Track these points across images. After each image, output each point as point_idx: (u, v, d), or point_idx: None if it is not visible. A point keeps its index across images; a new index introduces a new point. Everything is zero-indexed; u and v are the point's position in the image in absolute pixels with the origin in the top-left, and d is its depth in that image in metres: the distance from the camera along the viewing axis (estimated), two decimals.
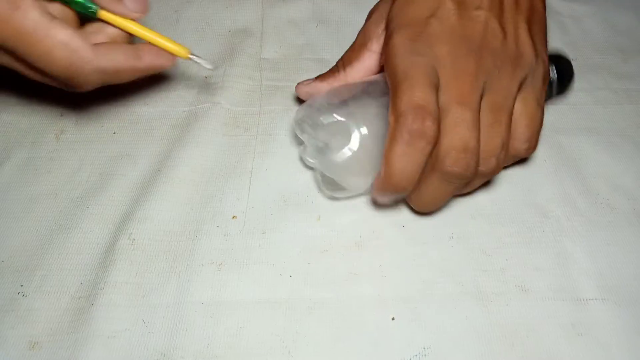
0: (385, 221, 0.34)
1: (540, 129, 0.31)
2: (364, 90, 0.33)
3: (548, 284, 0.32)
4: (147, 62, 0.31)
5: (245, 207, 0.34)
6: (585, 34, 0.44)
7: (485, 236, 0.33)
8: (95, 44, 0.29)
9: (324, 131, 0.32)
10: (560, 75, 0.36)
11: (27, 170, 0.36)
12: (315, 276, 0.32)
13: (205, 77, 0.40)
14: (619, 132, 0.38)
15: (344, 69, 0.34)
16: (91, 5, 0.29)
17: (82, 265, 0.32)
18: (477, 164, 0.28)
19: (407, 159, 0.27)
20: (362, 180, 0.32)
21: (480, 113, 0.28)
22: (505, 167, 0.36)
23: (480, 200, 0.35)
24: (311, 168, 0.36)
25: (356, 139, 0.31)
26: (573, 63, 0.37)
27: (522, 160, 0.37)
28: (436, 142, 0.27)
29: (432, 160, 0.28)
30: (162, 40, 0.31)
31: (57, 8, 0.29)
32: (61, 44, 0.27)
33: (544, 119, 0.31)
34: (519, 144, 0.30)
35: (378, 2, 0.34)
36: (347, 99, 0.32)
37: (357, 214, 0.34)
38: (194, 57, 0.32)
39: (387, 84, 0.29)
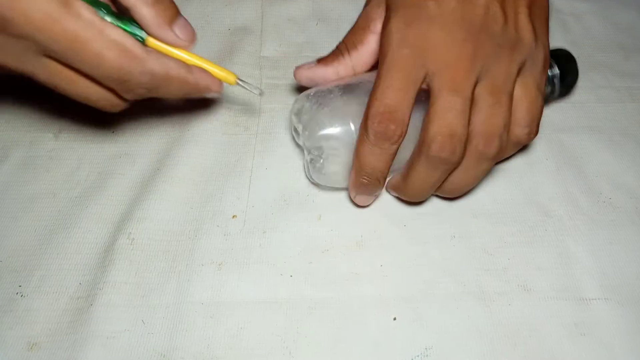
0: (386, 220, 0.34)
1: (541, 114, 0.31)
2: (365, 91, 0.32)
3: (550, 284, 0.32)
4: (197, 77, 0.30)
5: (246, 207, 0.34)
6: (587, 32, 0.44)
7: (487, 235, 0.33)
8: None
9: (317, 120, 0.31)
10: (564, 75, 0.36)
11: (25, 169, 0.36)
12: (316, 276, 0.32)
13: None
14: (621, 130, 0.38)
15: (349, 53, 0.33)
16: (140, 33, 0.29)
17: (81, 265, 0.32)
18: (464, 149, 0.28)
19: (374, 157, 0.29)
20: (344, 174, 0.33)
21: (479, 97, 0.28)
22: (506, 159, 0.35)
23: (481, 199, 0.35)
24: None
25: (348, 133, 0.31)
26: None
27: (523, 159, 0.37)
28: (401, 140, 0.28)
29: (418, 146, 0.29)
30: (210, 67, 0.31)
31: None
32: (113, 43, 0.26)
33: (546, 117, 0.31)
34: (519, 130, 0.30)
35: None
36: (343, 93, 0.32)
37: (358, 213, 0.34)
38: (241, 82, 0.32)
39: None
